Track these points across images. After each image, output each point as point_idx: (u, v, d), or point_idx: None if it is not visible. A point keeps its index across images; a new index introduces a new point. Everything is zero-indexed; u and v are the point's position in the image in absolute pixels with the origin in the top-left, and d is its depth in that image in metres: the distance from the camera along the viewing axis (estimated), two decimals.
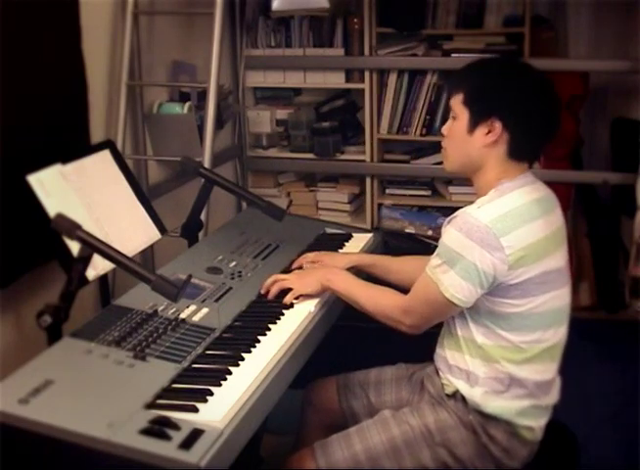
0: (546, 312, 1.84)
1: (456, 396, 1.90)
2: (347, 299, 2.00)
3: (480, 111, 1.83)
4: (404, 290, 1.93)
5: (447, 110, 3.46)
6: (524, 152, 1.86)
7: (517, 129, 1.83)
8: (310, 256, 2.24)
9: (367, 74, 3.52)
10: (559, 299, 1.87)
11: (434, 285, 1.80)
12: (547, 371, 1.89)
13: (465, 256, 1.75)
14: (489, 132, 1.83)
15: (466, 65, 1.93)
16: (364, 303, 1.95)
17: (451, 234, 1.78)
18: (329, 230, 2.57)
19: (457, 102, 1.88)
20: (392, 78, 3.55)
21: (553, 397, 1.93)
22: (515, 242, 1.75)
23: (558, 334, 1.89)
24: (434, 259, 1.82)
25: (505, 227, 1.75)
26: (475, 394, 1.86)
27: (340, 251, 2.37)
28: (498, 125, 1.82)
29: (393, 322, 1.90)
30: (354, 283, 2.01)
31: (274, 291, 2.03)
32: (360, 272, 2.20)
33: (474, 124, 1.84)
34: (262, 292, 2.05)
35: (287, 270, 2.19)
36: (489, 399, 1.86)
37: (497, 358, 1.84)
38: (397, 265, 2.20)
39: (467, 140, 1.86)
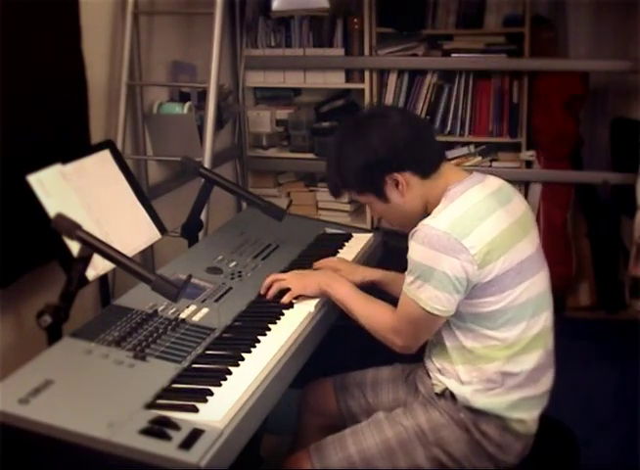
0: (526, 302, 1.84)
1: (445, 394, 1.91)
2: (343, 307, 1.99)
3: (376, 185, 1.89)
4: None
5: (447, 110, 3.51)
6: (429, 163, 1.89)
7: (408, 162, 1.86)
8: (330, 263, 2.19)
9: (367, 74, 3.53)
10: (536, 285, 1.88)
11: (412, 302, 1.80)
12: (536, 359, 1.88)
13: (434, 267, 1.75)
14: (397, 186, 1.87)
15: (328, 166, 1.99)
16: (358, 316, 1.95)
17: (415, 249, 1.79)
18: (329, 230, 2.56)
19: (355, 195, 1.97)
20: (392, 78, 3.56)
21: (544, 384, 1.92)
22: (477, 240, 1.76)
23: (541, 320, 1.89)
24: (408, 277, 1.82)
25: (464, 229, 1.76)
26: (465, 390, 1.87)
27: (340, 251, 2.37)
28: (395, 176, 1.86)
29: (386, 341, 1.90)
30: (353, 294, 1.99)
31: (273, 291, 2.03)
32: (379, 290, 2.16)
33: (383, 195, 1.90)
34: (262, 292, 2.05)
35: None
36: (479, 395, 1.86)
37: (489, 359, 1.84)
38: None
39: (392, 207, 1.92)
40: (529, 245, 1.88)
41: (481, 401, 1.86)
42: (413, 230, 1.82)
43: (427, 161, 1.89)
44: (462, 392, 1.87)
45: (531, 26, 3.36)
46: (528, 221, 1.93)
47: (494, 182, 1.93)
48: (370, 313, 1.94)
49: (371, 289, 2.10)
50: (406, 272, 1.83)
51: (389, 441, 1.91)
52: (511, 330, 1.83)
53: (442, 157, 1.96)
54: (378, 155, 1.85)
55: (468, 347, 1.85)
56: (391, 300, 1.97)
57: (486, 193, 1.86)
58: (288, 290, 2.02)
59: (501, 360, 1.84)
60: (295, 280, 2.04)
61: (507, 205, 1.88)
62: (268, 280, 2.05)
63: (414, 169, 1.87)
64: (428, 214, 1.88)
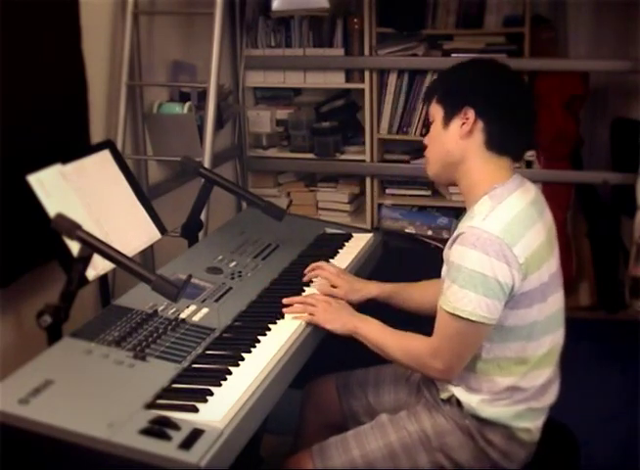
0: (547, 318, 1.83)
1: (451, 400, 1.89)
2: (375, 347, 1.91)
3: (453, 103, 1.85)
4: (427, 319, 1.88)
5: None
6: (501, 142, 1.83)
7: (490, 117, 1.82)
8: (326, 273, 2.13)
9: (367, 74, 3.53)
10: (556, 302, 1.87)
11: (455, 318, 1.73)
12: (546, 374, 1.87)
13: (486, 273, 1.69)
14: (464, 124, 1.83)
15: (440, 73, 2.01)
16: (393, 352, 1.88)
17: (466, 254, 1.71)
18: (329, 230, 2.56)
19: (433, 104, 1.91)
20: (392, 78, 3.55)
21: (550, 397, 1.92)
22: (523, 250, 1.73)
23: (557, 337, 1.88)
24: (452, 287, 1.73)
25: (514, 236, 1.73)
26: (472, 399, 1.85)
27: (340, 251, 2.37)
28: (471, 114, 1.82)
29: (424, 367, 1.84)
30: (381, 331, 1.91)
31: (295, 311, 1.94)
32: (379, 303, 2.14)
33: (448, 118, 1.85)
34: (285, 302, 1.97)
35: (300, 281, 2.13)
36: (486, 405, 1.85)
37: (503, 373, 1.82)
38: (419, 293, 2.11)
39: (443, 136, 1.87)
40: (555, 262, 1.86)
41: (488, 411, 1.84)
42: (456, 234, 1.77)
43: (503, 136, 1.83)
44: (469, 400, 1.85)
45: (531, 26, 3.36)
46: (554, 237, 1.90)
47: (532, 189, 1.90)
48: (404, 343, 1.87)
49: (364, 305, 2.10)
50: (446, 285, 1.76)
51: (393, 444, 1.90)
52: (528, 345, 1.81)
53: (518, 152, 1.92)
54: (478, 86, 1.84)
55: (487, 358, 1.82)
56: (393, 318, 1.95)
57: (527, 201, 1.83)
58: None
59: (516, 376, 1.82)
60: (322, 311, 1.94)
61: (543, 216, 1.86)
62: (299, 298, 1.99)
63: (488, 126, 1.82)
64: (451, 184, 1.92)
